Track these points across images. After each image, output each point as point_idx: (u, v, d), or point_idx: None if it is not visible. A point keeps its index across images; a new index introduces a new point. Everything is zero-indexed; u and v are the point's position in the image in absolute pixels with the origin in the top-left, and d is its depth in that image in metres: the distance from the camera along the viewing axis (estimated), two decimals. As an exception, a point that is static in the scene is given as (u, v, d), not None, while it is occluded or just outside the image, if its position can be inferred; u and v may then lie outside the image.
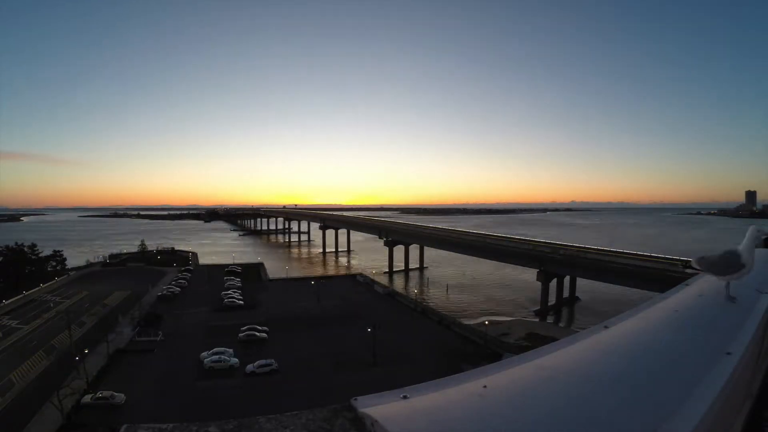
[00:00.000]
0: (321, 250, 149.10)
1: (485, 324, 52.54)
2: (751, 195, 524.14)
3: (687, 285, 3.90)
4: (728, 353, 2.11)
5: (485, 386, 1.64)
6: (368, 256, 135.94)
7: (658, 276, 53.64)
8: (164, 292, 72.56)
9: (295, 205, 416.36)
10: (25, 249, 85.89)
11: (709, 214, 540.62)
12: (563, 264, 66.46)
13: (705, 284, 3.82)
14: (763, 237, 6.26)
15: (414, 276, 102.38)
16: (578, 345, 2.21)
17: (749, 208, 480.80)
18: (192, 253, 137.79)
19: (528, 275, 78.05)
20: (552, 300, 69.64)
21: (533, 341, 52.53)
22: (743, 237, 3.31)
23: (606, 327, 2.55)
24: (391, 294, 73.82)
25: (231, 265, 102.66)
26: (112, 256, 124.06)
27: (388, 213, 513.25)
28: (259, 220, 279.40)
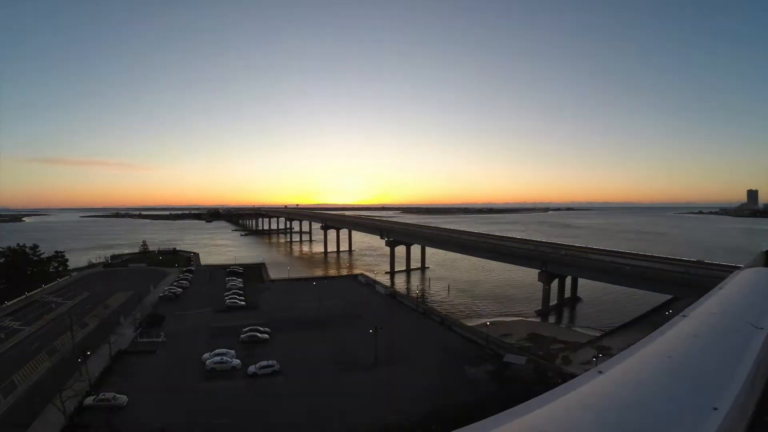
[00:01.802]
0: (322, 250, 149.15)
1: (487, 325, 52.46)
2: (752, 194, 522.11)
3: (684, 317, 3.82)
4: (714, 408, 2.12)
5: None
6: (369, 256, 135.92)
7: (658, 276, 53.62)
8: (166, 292, 72.64)
9: (297, 205, 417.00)
10: (27, 250, 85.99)
11: (710, 213, 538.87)
12: (565, 264, 66.33)
13: (701, 318, 3.74)
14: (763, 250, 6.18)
15: (415, 276, 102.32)
16: (571, 396, 2.18)
17: (751, 207, 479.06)
18: (193, 253, 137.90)
19: (529, 275, 77.89)
20: (554, 300, 69.55)
21: (535, 341, 52.43)
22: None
23: (600, 372, 2.53)
24: (392, 294, 73.63)
25: (233, 265, 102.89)
26: (113, 257, 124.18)
27: (390, 213, 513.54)
28: (260, 220, 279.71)
